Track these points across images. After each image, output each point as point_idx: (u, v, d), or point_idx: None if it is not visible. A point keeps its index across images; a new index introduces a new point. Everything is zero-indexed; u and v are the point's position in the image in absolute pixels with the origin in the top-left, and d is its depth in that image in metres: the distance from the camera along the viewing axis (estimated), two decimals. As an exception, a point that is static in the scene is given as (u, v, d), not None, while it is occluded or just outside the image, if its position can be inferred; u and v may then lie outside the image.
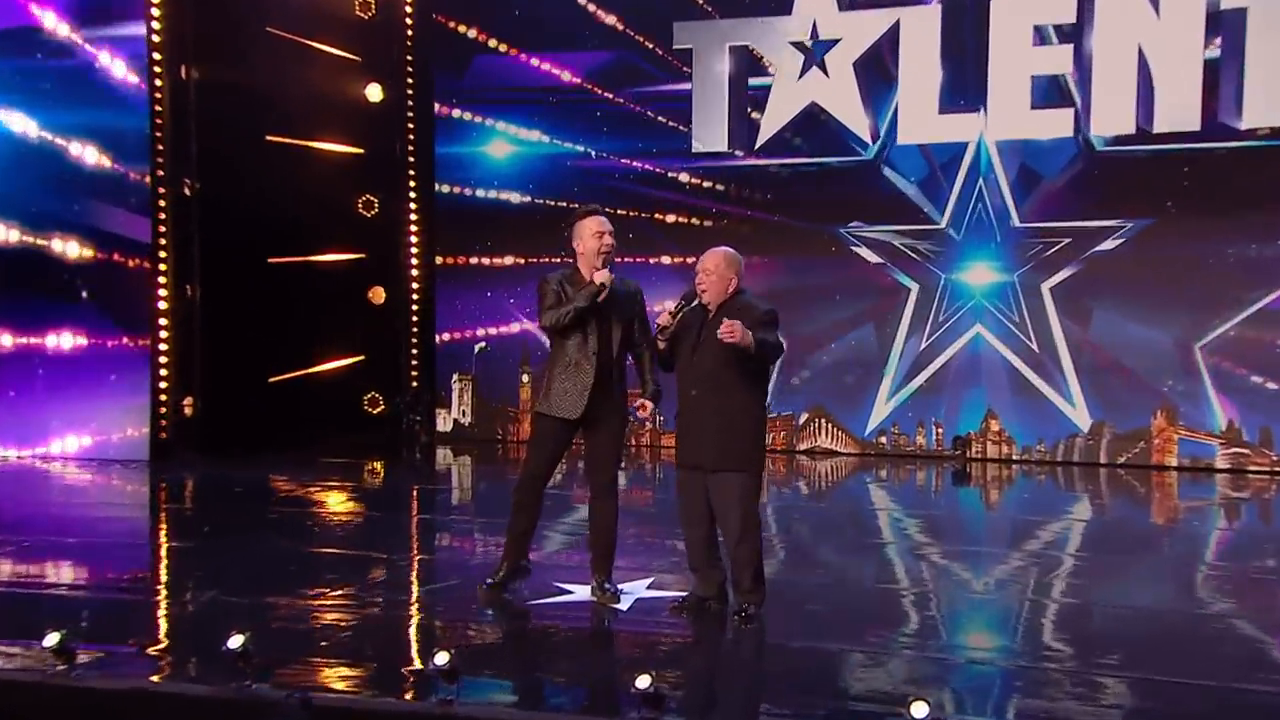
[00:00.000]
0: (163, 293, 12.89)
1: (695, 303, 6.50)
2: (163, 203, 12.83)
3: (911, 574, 8.11)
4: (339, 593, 7.25)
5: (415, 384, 15.08)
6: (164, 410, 12.91)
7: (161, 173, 12.72)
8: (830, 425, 13.72)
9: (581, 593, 7.06)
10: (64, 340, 12.83)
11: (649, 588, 7.25)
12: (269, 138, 13.75)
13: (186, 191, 13.13)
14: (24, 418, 12.92)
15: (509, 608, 6.88)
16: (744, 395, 6.43)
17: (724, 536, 6.56)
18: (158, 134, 12.67)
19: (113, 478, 12.06)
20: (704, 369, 6.42)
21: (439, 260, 14.86)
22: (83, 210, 12.66)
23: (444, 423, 14.92)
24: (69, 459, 12.84)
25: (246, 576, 7.52)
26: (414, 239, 14.99)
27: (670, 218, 13.95)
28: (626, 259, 12.78)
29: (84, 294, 12.82)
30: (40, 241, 12.71)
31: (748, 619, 6.47)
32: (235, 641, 5.38)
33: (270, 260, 13.87)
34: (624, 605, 6.85)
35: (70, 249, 12.71)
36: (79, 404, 12.84)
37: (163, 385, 12.91)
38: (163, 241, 12.84)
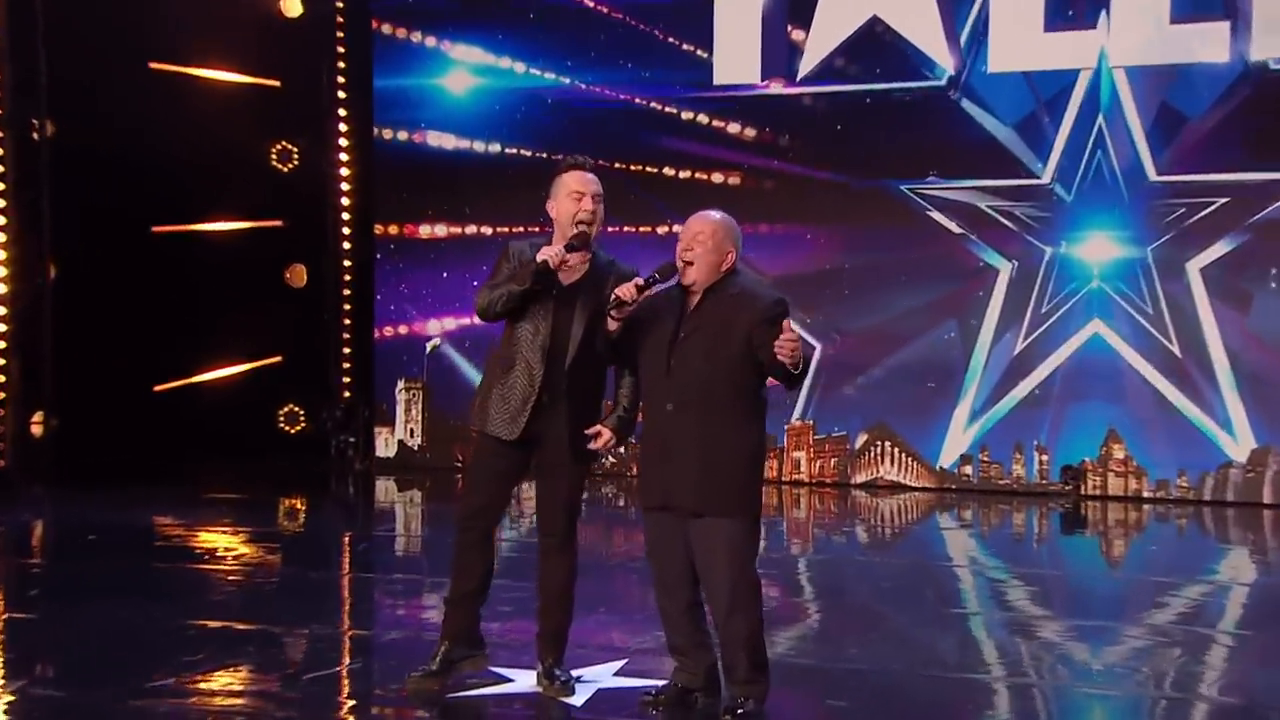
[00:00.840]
0: (0, 272, 12.85)
1: (675, 280, 6.39)
2: (0, 150, 12.81)
3: (1004, 655, 7.95)
4: (207, 683, 7.03)
5: (347, 394, 15.16)
6: (2, 430, 12.87)
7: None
8: (897, 450, 13.65)
9: (525, 681, 6.91)
10: None
11: (617, 674, 7.14)
12: (152, 65, 13.84)
13: (35, 135, 13.13)
14: None
15: (429, 703, 6.72)
16: (738, 413, 6.33)
17: (710, 605, 6.41)
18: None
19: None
20: (687, 376, 6.29)
21: (378, 230, 14.95)
22: None
23: (386, 445, 15.02)
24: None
25: (84, 660, 7.37)
26: (345, 201, 15.06)
27: (682, 173, 13.87)
28: (625, 228, 12.98)
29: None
30: None
31: (744, 718, 6.28)
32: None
33: (154, 230, 13.94)
34: (579, 699, 6.73)
35: None
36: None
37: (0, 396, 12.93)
38: (0, 203, 12.80)
